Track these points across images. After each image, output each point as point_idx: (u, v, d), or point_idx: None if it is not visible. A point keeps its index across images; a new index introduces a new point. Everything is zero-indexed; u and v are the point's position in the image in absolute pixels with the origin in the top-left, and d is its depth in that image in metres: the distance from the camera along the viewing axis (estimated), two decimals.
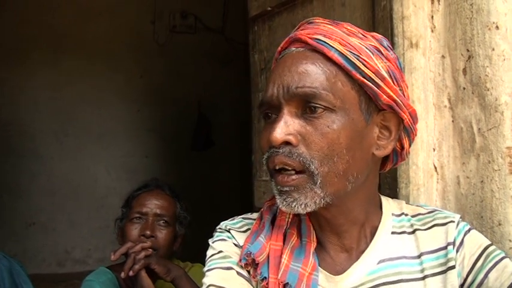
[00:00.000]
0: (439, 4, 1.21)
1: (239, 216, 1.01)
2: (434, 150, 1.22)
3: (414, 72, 1.20)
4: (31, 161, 4.55)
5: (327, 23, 0.88)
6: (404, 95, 0.88)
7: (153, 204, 1.75)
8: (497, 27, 1.07)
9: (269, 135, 0.82)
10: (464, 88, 1.14)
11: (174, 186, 1.90)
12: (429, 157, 1.21)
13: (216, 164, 4.91)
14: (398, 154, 0.93)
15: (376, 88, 0.83)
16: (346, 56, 0.82)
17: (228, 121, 4.95)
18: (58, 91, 4.60)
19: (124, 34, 4.73)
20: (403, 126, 0.88)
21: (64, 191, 4.63)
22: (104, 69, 4.68)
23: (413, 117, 0.89)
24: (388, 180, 1.25)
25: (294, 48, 0.87)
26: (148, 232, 1.68)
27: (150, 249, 1.57)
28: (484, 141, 1.09)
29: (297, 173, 0.83)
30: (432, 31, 1.23)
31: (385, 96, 0.84)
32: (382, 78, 0.83)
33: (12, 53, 4.44)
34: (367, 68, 0.83)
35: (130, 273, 1.50)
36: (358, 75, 0.82)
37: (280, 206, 0.85)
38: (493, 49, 1.07)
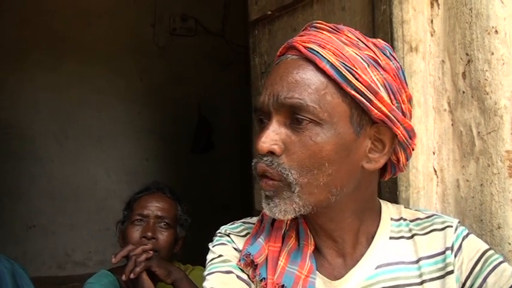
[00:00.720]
0: (438, 8, 1.22)
1: (239, 221, 1.02)
2: (434, 153, 1.23)
3: (414, 76, 1.21)
4: (31, 164, 4.55)
5: (327, 30, 0.86)
6: (402, 108, 0.85)
7: (154, 207, 1.76)
8: (496, 31, 1.07)
9: (256, 144, 0.84)
10: (463, 92, 1.15)
11: (174, 188, 1.91)
12: (429, 160, 1.22)
13: (216, 166, 4.91)
14: (396, 166, 0.92)
15: (367, 103, 0.82)
16: (337, 68, 0.81)
17: (228, 123, 4.95)
18: (58, 93, 4.60)
19: (124, 37, 4.73)
20: (397, 140, 0.86)
21: (64, 193, 4.62)
22: (103, 71, 4.67)
23: (409, 132, 0.86)
24: (388, 184, 1.25)
25: (289, 56, 0.87)
26: (149, 234, 1.69)
27: (151, 251, 1.57)
28: (483, 145, 1.10)
29: (276, 180, 0.84)
30: (432, 35, 1.23)
31: (376, 111, 0.82)
32: (375, 93, 0.82)
33: (11, 55, 4.44)
34: (359, 82, 0.81)
35: (132, 275, 1.50)
36: (349, 89, 0.81)
37: (264, 210, 0.87)
38: (492, 53, 1.08)
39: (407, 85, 0.88)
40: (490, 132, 1.08)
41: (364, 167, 0.86)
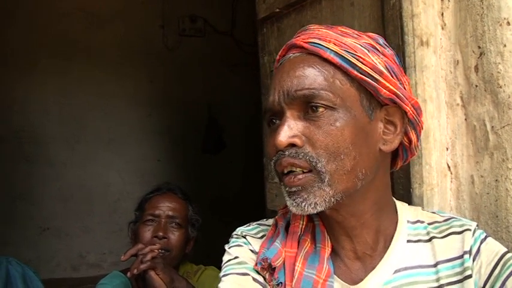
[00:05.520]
0: (448, 1, 1.20)
1: (255, 223, 1.01)
2: (447, 149, 1.21)
3: (425, 71, 1.19)
4: (43, 167, 4.58)
5: (321, 28, 0.89)
6: (405, 89, 0.88)
7: (166, 207, 1.77)
8: (508, 23, 1.05)
9: (274, 140, 0.83)
10: (476, 85, 1.13)
11: (186, 189, 1.92)
12: (442, 156, 1.20)
13: (227, 166, 4.92)
14: (408, 149, 0.92)
15: (374, 83, 0.84)
16: (341, 55, 0.84)
17: (238, 123, 4.95)
18: (68, 98, 4.63)
19: (133, 39, 4.74)
20: (407, 119, 0.88)
21: (77, 196, 4.65)
22: (113, 74, 4.69)
23: (417, 109, 0.89)
24: (402, 181, 1.24)
25: (291, 54, 0.89)
26: (161, 233, 1.70)
27: (156, 251, 1.58)
28: (497, 139, 1.08)
29: (304, 173, 0.83)
30: (442, 28, 1.21)
31: (384, 90, 0.84)
32: (380, 73, 0.84)
33: (22, 60, 4.47)
34: (364, 65, 0.83)
35: (135, 271, 1.52)
36: (356, 72, 0.83)
37: (290, 208, 0.85)
38: (505, 45, 1.06)
39: (405, 71, 0.91)
40: (504, 126, 1.06)
41: (381, 149, 0.87)
